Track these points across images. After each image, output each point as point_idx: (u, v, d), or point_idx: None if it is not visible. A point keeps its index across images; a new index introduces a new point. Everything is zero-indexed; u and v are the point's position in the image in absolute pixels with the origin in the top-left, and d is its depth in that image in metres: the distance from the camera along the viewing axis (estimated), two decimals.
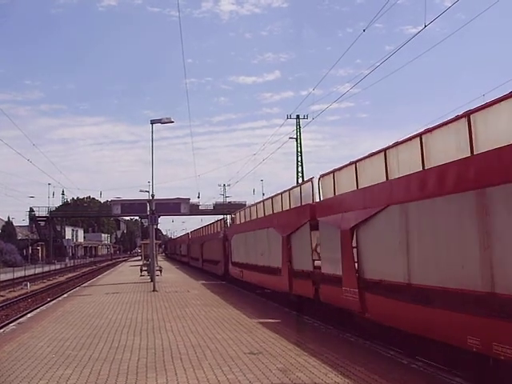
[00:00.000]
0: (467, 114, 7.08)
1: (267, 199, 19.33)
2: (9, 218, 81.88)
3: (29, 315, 16.65)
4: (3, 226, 78.26)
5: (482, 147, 6.76)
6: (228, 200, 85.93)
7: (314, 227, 13.14)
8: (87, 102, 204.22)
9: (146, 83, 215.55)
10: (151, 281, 24.03)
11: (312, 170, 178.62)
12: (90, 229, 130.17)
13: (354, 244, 10.50)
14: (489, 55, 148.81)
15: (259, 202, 20.67)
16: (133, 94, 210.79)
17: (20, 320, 15.63)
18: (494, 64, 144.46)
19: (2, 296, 27.37)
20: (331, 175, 12.36)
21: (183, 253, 56.53)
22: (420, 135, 8.32)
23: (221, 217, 37.69)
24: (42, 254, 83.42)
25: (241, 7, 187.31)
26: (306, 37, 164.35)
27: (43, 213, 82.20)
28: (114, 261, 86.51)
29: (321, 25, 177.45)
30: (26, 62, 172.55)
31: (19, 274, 40.00)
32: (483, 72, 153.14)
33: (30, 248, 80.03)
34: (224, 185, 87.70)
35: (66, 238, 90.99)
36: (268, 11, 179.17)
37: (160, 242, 78.42)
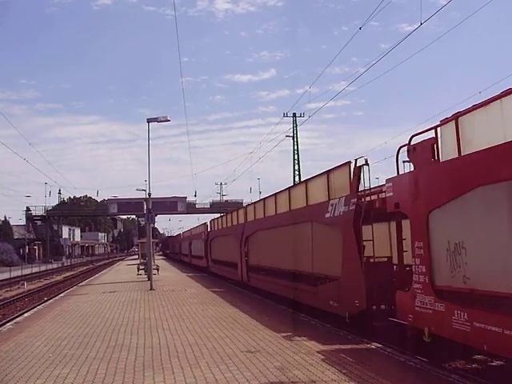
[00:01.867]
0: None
1: None
2: (5, 217, 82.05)
3: (26, 314, 16.57)
4: (0, 225, 78.12)
5: None
6: (225, 198, 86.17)
7: None
8: (83, 100, 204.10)
9: (141, 82, 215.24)
10: (148, 280, 24.04)
11: (308, 169, 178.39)
12: (87, 228, 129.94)
13: None
14: (484, 53, 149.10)
15: None
16: (129, 93, 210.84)
17: (17, 319, 15.57)
18: (490, 62, 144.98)
19: None
20: None
21: (195, 253, 39.58)
22: None
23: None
24: (38, 254, 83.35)
25: (236, 6, 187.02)
26: (302, 35, 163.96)
27: (40, 212, 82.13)
28: (110, 260, 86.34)
29: (316, 23, 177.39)
30: (21, 61, 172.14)
31: (16, 273, 39.99)
32: (478, 70, 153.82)
33: (27, 247, 79.80)
34: (221, 183, 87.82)
35: (63, 237, 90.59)
36: (263, 9, 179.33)
37: (157, 240, 78.04)
